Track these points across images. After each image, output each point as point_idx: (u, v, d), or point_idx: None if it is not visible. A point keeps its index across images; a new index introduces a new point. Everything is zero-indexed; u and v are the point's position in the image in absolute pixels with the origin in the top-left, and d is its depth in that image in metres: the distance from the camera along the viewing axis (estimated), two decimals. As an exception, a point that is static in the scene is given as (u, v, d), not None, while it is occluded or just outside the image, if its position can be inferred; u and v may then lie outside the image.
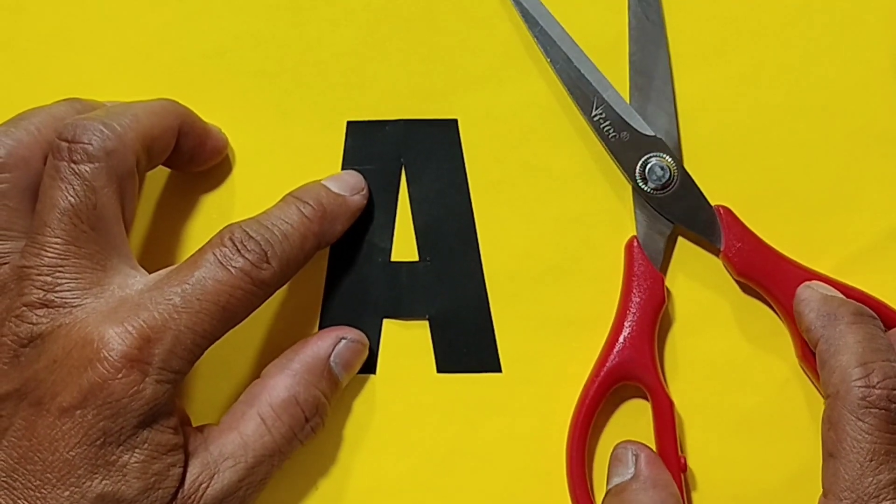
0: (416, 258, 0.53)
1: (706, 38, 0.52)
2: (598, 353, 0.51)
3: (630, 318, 0.50)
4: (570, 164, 0.52)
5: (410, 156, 0.53)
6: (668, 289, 0.51)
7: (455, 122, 0.53)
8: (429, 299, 0.52)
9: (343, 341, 0.50)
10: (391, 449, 0.52)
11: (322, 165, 0.53)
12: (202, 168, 0.52)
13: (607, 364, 0.50)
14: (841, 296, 0.49)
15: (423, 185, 0.53)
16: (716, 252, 0.51)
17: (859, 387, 0.46)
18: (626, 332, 0.50)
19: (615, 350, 0.50)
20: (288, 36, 0.53)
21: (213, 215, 0.54)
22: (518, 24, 0.53)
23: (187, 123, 0.50)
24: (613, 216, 0.52)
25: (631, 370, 0.50)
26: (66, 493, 0.43)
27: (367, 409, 0.52)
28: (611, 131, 0.51)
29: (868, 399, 0.46)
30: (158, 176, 0.54)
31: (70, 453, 0.43)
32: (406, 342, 0.52)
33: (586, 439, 0.50)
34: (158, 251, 0.53)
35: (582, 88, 0.51)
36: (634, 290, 0.50)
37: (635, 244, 0.51)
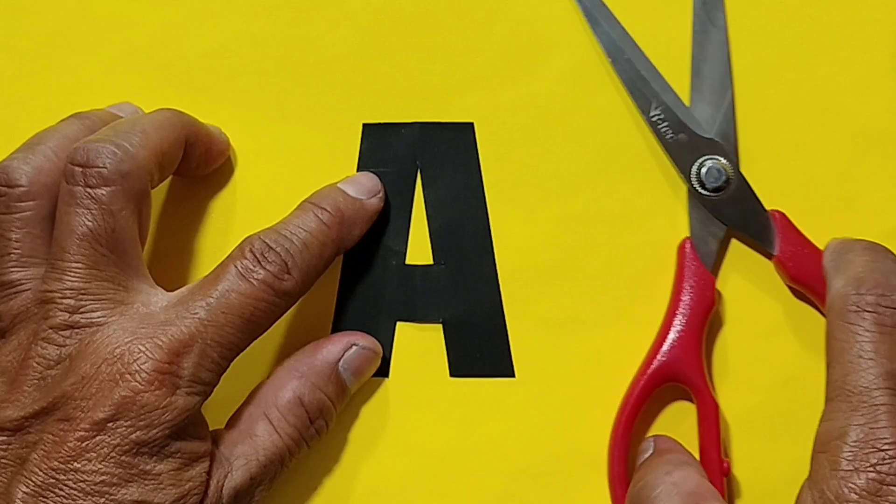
0: (431, 261, 0.52)
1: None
2: (612, 356, 0.51)
3: (679, 318, 0.50)
4: (584, 167, 0.52)
5: (426, 159, 0.52)
6: (718, 291, 0.51)
7: (471, 125, 0.52)
8: (443, 303, 0.52)
9: (354, 347, 0.50)
10: (402, 452, 0.52)
11: (337, 168, 0.52)
12: (207, 172, 0.52)
13: (654, 364, 0.50)
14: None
15: (438, 188, 0.52)
16: (769, 256, 0.51)
17: (850, 295, 0.47)
18: (674, 332, 0.50)
19: (663, 350, 0.50)
20: (289, 36, 0.53)
21: (213, 216, 0.53)
22: (530, 23, 0.52)
23: (193, 133, 0.50)
24: (624, 218, 0.52)
25: (678, 371, 0.50)
26: (102, 500, 0.43)
27: (378, 412, 0.52)
28: (668, 132, 0.51)
29: (857, 304, 0.46)
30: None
31: (103, 464, 0.43)
32: (419, 346, 0.52)
33: (629, 439, 0.50)
34: (164, 256, 0.53)
35: (641, 89, 0.52)
36: (685, 291, 0.50)
37: (688, 246, 0.51)
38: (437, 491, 0.52)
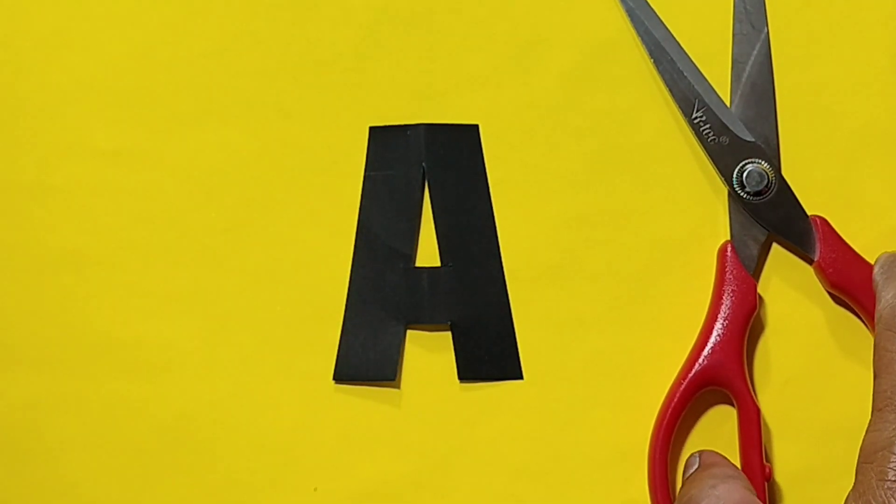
0: (439, 264, 0.52)
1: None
2: (621, 358, 0.52)
3: (720, 322, 0.50)
4: (591, 166, 0.52)
5: (432, 161, 0.53)
6: (760, 295, 0.52)
7: (476, 126, 0.52)
8: (451, 305, 0.52)
9: None
10: (408, 455, 0.52)
11: (344, 171, 0.53)
12: None
13: (695, 368, 0.50)
14: None
15: (445, 190, 0.53)
16: (809, 261, 0.52)
17: None
18: (715, 336, 0.50)
19: (703, 354, 0.50)
20: (289, 37, 0.53)
21: (213, 216, 0.53)
22: (533, 23, 0.52)
23: None
24: (628, 219, 0.52)
25: (718, 375, 0.50)
26: None
27: (386, 416, 0.52)
28: (710, 134, 0.51)
29: None
30: (159, 177, 0.53)
31: None
32: (427, 349, 0.52)
33: (670, 443, 0.50)
34: (160, 254, 0.52)
35: (684, 90, 0.52)
36: (725, 295, 0.51)
37: (729, 249, 0.51)
38: (442, 493, 0.52)
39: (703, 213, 0.52)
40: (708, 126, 0.51)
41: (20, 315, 0.52)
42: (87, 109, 0.52)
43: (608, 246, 0.52)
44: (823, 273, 0.51)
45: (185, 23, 0.53)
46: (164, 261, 0.52)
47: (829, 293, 0.52)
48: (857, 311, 0.51)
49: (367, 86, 0.52)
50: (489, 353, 0.52)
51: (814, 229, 0.51)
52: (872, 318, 0.51)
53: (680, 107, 0.52)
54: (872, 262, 0.51)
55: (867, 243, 0.52)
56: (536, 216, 0.52)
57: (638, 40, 0.52)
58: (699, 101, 0.52)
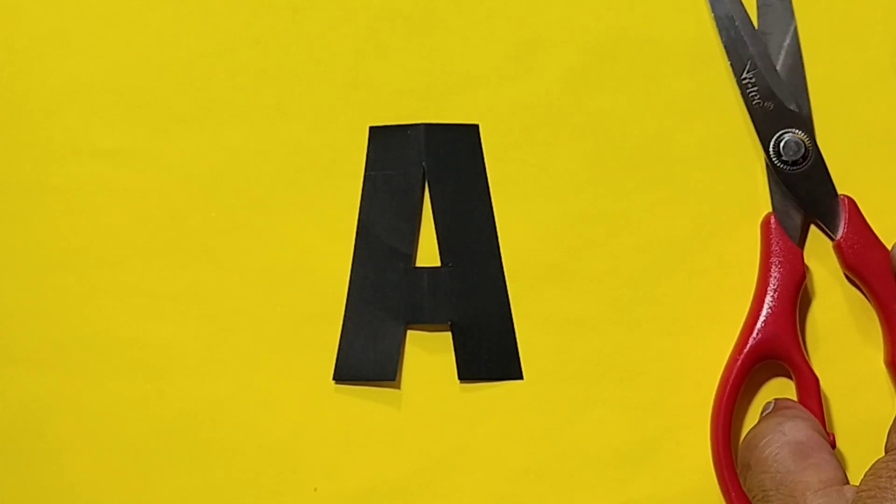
0: (439, 264, 0.53)
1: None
2: (621, 357, 0.52)
3: (770, 295, 0.51)
4: (588, 167, 0.52)
5: (432, 161, 0.53)
6: (807, 265, 0.52)
7: (476, 126, 0.53)
8: (451, 305, 0.52)
9: None
10: (408, 455, 0.52)
11: (344, 170, 0.53)
12: None
13: (750, 342, 0.50)
14: None
15: (445, 189, 0.53)
16: (830, 239, 0.52)
17: None
18: (766, 309, 0.50)
19: (757, 328, 0.50)
20: (289, 36, 0.53)
21: (213, 216, 0.53)
22: (533, 22, 0.52)
23: None
24: (628, 219, 0.52)
25: (774, 348, 0.50)
26: None
27: (386, 416, 0.52)
28: (756, 97, 0.52)
29: None
30: (159, 177, 0.53)
31: None
32: (427, 350, 0.53)
33: (731, 419, 0.51)
34: (160, 255, 0.53)
35: (738, 49, 0.52)
36: (773, 267, 0.51)
37: (772, 220, 0.51)
38: (442, 493, 0.52)
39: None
40: (755, 89, 0.52)
41: (20, 315, 0.52)
42: (87, 109, 0.52)
43: (608, 246, 0.52)
44: (842, 253, 0.51)
45: (184, 23, 0.53)
46: (164, 261, 0.52)
47: (845, 274, 0.52)
48: (867, 295, 0.51)
49: (367, 86, 0.52)
50: (489, 353, 0.52)
51: (841, 208, 0.51)
52: (883, 305, 0.51)
53: (732, 65, 0.52)
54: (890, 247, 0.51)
55: (887, 229, 0.51)
56: (536, 216, 0.52)
57: (638, 39, 0.52)
58: (751, 63, 0.52)
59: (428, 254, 0.52)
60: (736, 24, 0.52)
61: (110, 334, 0.52)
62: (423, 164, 0.53)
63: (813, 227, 0.52)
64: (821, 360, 0.52)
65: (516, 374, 0.52)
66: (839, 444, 0.51)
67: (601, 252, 0.52)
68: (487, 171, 0.52)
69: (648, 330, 0.52)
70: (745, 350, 0.50)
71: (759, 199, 0.52)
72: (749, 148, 0.52)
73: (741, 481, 0.49)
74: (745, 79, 0.52)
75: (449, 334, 0.52)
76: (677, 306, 0.52)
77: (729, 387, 0.50)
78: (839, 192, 0.52)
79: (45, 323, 0.52)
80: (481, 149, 0.53)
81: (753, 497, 0.47)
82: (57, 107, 0.52)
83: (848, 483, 0.46)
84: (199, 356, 0.52)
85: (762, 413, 0.50)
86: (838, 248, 0.51)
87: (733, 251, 0.52)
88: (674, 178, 0.52)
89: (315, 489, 0.52)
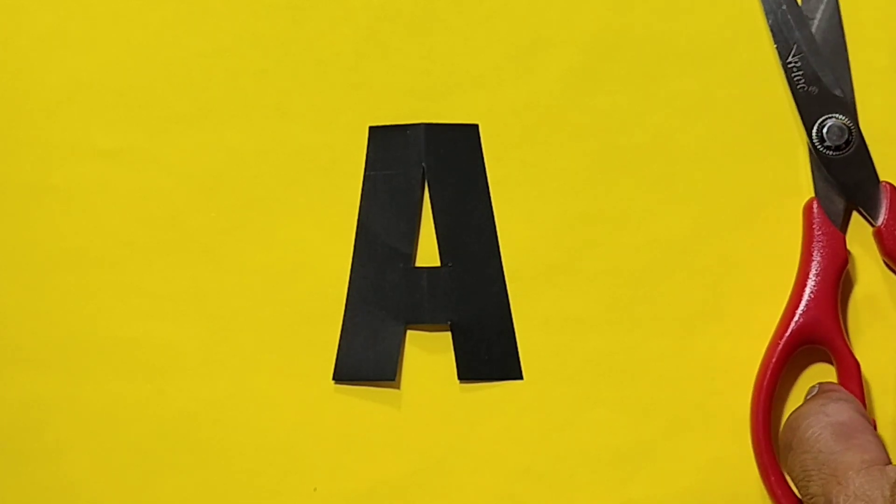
0: (439, 263, 0.53)
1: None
2: (621, 357, 0.52)
3: (812, 279, 0.51)
4: (588, 167, 0.52)
5: (432, 161, 0.53)
6: (849, 250, 0.52)
7: (476, 126, 0.53)
8: (451, 305, 0.52)
9: None
10: (408, 455, 0.52)
11: (344, 170, 0.53)
12: None
13: (791, 326, 0.50)
14: None
15: (445, 189, 0.53)
16: (871, 225, 0.52)
17: None
18: (808, 294, 0.50)
19: (798, 311, 0.50)
20: (289, 36, 0.53)
21: (213, 216, 0.53)
22: (533, 22, 0.52)
23: None
24: (628, 219, 0.52)
25: (815, 332, 0.50)
26: None
27: (385, 416, 0.52)
28: (801, 81, 0.52)
29: None
30: (159, 176, 0.53)
31: None
32: (427, 350, 0.53)
33: (771, 404, 0.51)
34: (160, 254, 0.53)
35: (784, 32, 0.52)
36: (815, 251, 0.51)
37: (815, 205, 0.51)
38: (442, 493, 0.52)
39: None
40: (801, 73, 0.51)
41: (20, 315, 0.52)
42: (87, 109, 0.52)
43: (608, 246, 0.52)
44: (882, 240, 0.51)
45: (184, 23, 0.53)
46: (164, 261, 0.52)
47: (884, 261, 0.52)
48: None
49: (367, 86, 0.52)
50: (489, 353, 0.52)
51: (882, 195, 0.51)
52: None
53: (778, 48, 0.52)
54: None
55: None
56: (536, 216, 0.52)
57: (638, 38, 0.52)
58: (797, 47, 0.52)
59: (428, 254, 0.52)
60: (783, 6, 0.52)
61: (110, 334, 0.52)
62: (423, 164, 0.53)
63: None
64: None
65: (516, 374, 0.52)
66: (880, 429, 0.50)
67: (601, 252, 0.52)
68: (487, 171, 0.52)
69: (649, 330, 0.52)
70: (787, 334, 0.50)
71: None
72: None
73: (781, 462, 0.49)
74: (790, 63, 0.52)
75: (449, 334, 0.52)
76: (677, 306, 0.52)
77: (770, 370, 0.50)
78: (881, 178, 0.51)
79: (45, 323, 0.52)
80: (481, 149, 0.52)
81: (794, 477, 0.47)
82: (57, 107, 0.52)
83: (891, 464, 0.46)
84: (199, 356, 0.52)
85: (806, 396, 0.50)
86: (878, 235, 0.51)
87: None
88: (674, 177, 0.52)
89: (315, 489, 0.52)
